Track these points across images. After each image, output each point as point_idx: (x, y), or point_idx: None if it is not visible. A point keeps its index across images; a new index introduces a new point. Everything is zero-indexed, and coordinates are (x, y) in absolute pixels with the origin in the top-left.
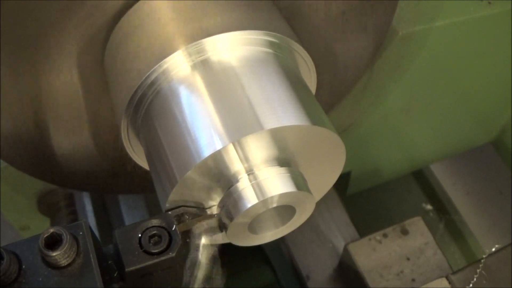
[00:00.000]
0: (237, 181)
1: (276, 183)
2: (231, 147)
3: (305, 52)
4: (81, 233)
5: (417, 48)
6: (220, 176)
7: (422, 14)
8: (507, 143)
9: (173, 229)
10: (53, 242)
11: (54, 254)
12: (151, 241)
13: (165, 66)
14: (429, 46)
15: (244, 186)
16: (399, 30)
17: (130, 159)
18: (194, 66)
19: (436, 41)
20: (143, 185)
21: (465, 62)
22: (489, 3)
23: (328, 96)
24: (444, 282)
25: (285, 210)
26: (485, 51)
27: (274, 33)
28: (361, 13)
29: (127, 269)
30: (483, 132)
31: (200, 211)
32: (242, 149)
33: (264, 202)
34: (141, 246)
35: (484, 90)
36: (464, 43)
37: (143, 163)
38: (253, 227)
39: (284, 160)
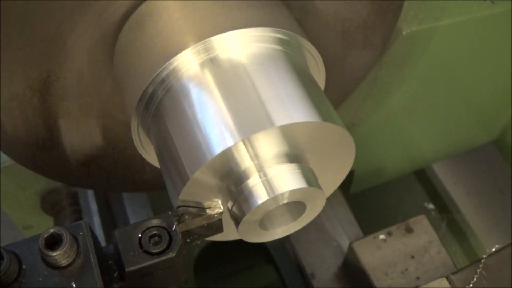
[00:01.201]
0: (248, 178)
1: (287, 180)
2: (241, 144)
3: (314, 49)
4: (81, 233)
5: (421, 47)
6: (231, 173)
7: (426, 14)
8: (508, 143)
9: (173, 229)
10: (53, 242)
11: (54, 254)
12: (151, 241)
13: (174, 64)
14: (433, 45)
15: (255, 183)
16: (403, 29)
17: (139, 157)
18: (203, 64)
19: (439, 40)
20: (150, 183)
21: (468, 61)
22: (492, 2)
23: (335, 93)
24: (444, 282)
25: (295, 206)
26: (488, 51)
27: (283, 30)
28: (371, 12)
29: (127, 269)
30: (485, 131)
31: (200, 211)
32: (253, 146)
33: (274, 198)
34: (141, 246)
35: (487, 90)
36: (467, 42)
37: (153, 160)
38: (264, 223)
39: (294, 156)
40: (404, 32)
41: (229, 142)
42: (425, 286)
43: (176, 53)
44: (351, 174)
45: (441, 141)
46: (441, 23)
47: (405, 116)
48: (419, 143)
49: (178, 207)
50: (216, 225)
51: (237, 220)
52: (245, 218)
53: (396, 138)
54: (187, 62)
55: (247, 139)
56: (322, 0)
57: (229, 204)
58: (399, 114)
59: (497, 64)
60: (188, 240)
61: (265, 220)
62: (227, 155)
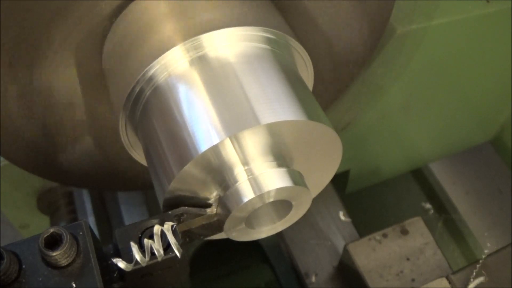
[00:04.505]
0: (234, 175)
1: (273, 178)
2: (228, 142)
3: (302, 48)
4: (81, 233)
5: (415, 46)
6: (217, 171)
7: (420, 12)
8: (506, 142)
9: (173, 229)
10: (53, 242)
11: (54, 254)
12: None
13: (162, 62)
14: (427, 44)
15: (241, 180)
16: (397, 28)
17: (129, 155)
18: (192, 62)
19: (434, 40)
20: (142, 181)
21: (464, 60)
22: (487, 1)
23: (326, 92)
24: (444, 282)
25: (282, 205)
26: (484, 50)
27: (271, 29)
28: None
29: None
30: (482, 130)
31: (200, 211)
32: (239, 143)
33: (260, 196)
34: (141, 246)
35: (483, 89)
36: (462, 42)
37: (141, 159)
38: (250, 222)
39: (281, 155)
40: (398, 31)
41: (215, 140)
42: (424, 286)
43: (165, 50)
44: (346, 174)
45: (437, 140)
46: (435, 22)
47: (401, 115)
48: (416, 142)
49: (164, 206)
50: (216, 225)
51: (223, 218)
52: (231, 215)
53: (392, 137)
54: (176, 60)
55: (233, 137)
56: (310, 0)
57: (216, 202)
58: (395, 113)
59: (493, 63)
60: (187, 240)
61: (251, 218)
62: (213, 153)
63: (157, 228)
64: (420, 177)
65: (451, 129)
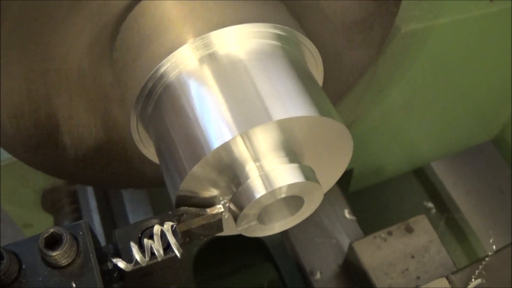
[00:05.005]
0: (246, 172)
1: (285, 174)
2: (239, 139)
3: (312, 44)
4: (81, 233)
5: (419, 46)
6: (229, 167)
7: (424, 12)
8: (508, 141)
9: (173, 229)
10: (53, 242)
11: (54, 254)
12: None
13: (173, 59)
14: (431, 43)
15: (253, 177)
16: (402, 27)
17: (138, 153)
18: (202, 60)
19: (438, 39)
20: (149, 179)
21: (467, 59)
22: (491, 1)
23: (334, 89)
24: (444, 282)
25: (293, 200)
26: (487, 49)
27: (281, 26)
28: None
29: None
30: (484, 130)
31: (200, 211)
32: (251, 140)
33: (272, 192)
34: (141, 246)
35: (486, 88)
36: (466, 41)
37: (152, 157)
38: (262, 218)
39: (292, 151)
40: (402, 30)
41: (227, 137)
42: (424, 286)
43: (175, 48)
44: (350, 173)
45: (439, 139)
46: (439, 21)
47: (403, 114)
48: (418, 141)
49: (177, 203)
50: (216, 225)
51: (235, 214)
52: (243, 212)
53: (395, 136)
54: (186, 58)
55: (245, 134)
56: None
57: (228, 198)
58: (398, 112)
59: (495, 62)
60: (187, 240)
61: (263, 214)
62: (225, 150)
63: (157, 228)
64: (422, 176)
65: (453, 129)
